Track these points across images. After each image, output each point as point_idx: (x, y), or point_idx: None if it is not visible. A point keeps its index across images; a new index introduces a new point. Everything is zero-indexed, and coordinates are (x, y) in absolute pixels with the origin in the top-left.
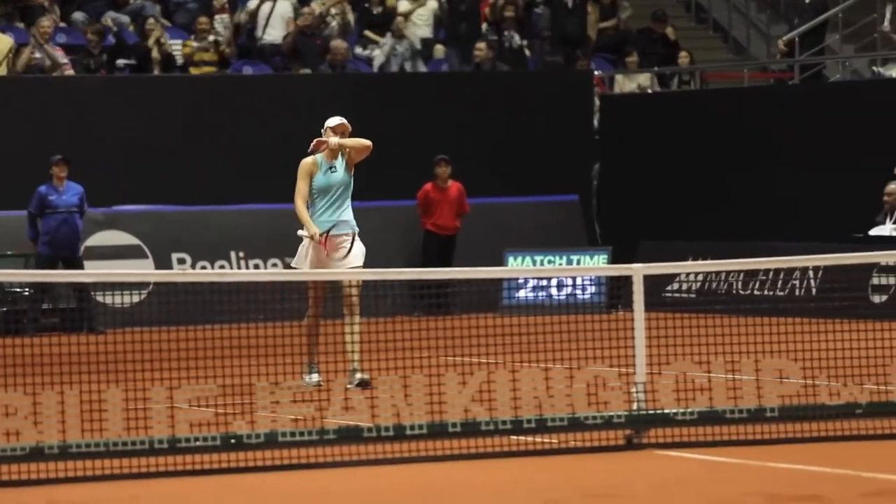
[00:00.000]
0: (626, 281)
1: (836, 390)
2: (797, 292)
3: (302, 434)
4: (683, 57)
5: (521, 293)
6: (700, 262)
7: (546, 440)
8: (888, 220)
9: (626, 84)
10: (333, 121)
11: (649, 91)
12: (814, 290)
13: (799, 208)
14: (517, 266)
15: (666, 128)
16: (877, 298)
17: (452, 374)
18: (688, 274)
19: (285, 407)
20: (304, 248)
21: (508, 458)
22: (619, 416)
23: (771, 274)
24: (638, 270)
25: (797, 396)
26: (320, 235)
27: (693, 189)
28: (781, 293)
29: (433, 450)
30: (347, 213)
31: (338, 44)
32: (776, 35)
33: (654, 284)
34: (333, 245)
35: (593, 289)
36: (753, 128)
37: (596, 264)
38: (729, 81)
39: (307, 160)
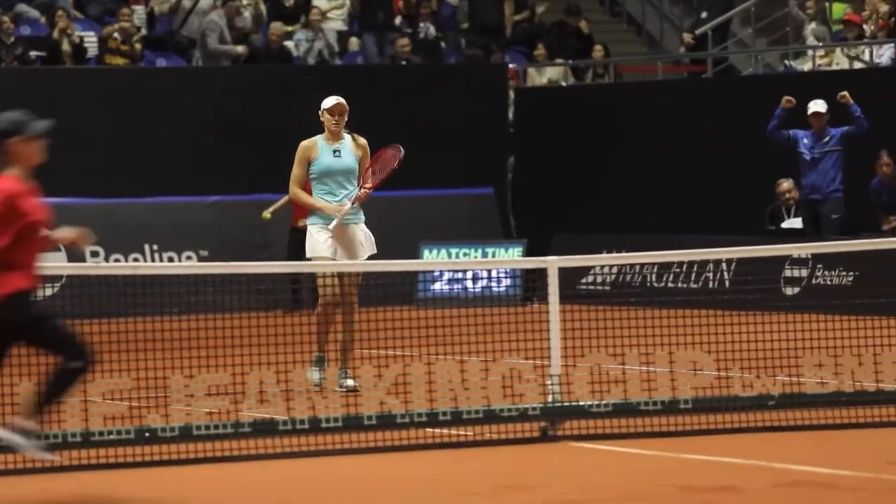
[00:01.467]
0: (542, 273)
1: (749, 382)
2: (711, 285)
3: (217, 427)
4: (598, 50)
5: (437, 286)
6: (614, 254)
7: (461, 432)
8: (786, 217)
9: (538, 77)
10: (329, 101)
11: (563, 84)
12: (727, 283)
13: (712, 201)
14: (433, 259)
15: (580, 121)
16: (789, 290)
17: (368, 366)
18: (602, 266)
19: (200, 400)
20: (318, 236)
21: (424, 451)
22: (534, 409)
23: (685, 266)
24: (553, 263)
25: (711, 388)
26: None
27: (607, 182)
28: (695, 285)
29: (349, 442)
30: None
31: (276, 27)
32: (689, 28)
33: (569, 277)
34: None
35: (508, 281)
36: (667, 121)
37: (511, 257)
38: (643, 74)
39: (305, 142)
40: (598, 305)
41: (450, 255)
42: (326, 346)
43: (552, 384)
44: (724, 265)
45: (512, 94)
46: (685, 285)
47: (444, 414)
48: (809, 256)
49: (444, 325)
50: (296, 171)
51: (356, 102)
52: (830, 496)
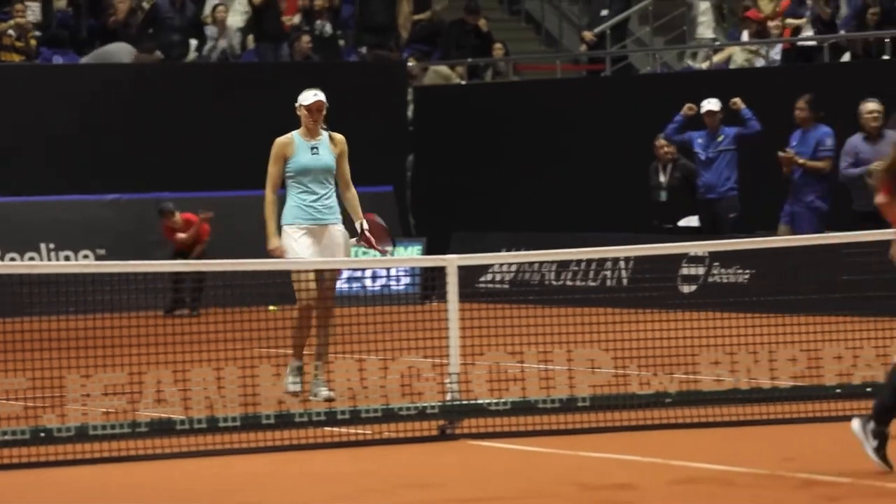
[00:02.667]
0: (440, 272)
1: (646, 380)
2: (608, 283)
3: (114, 427)
4: (497, 48)
5: (336, 284)
6: (513, 252)
7: (360, 431)
8: (662, 174)
9: (436, 76)
10: (308, 97)
11: (462, 83)
12: (625, 281)
13: (611, 199)
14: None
15: (479, 119)
16: (686, 288)
17: (266, 365)
18: (501, 265)
19: (96, 400)
20: (295, 238)
21: (323, 450)
22: (432, 407)
23: (583, 264)
24: (452, 261)
25: (608, 386)
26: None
27: (506, 180)
28: (593, 283)
29: (247, 442)
30: (333, 200)
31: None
32: (589, 27)
33: (468, 275)
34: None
35: (407, 280)
36: (566, 119)
37: (410, 255)
38: (542, 73)
39: (280, 139)
40: (496, 304)
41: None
42: (303, 352)
43: (451, 382)
44: (621, 263)
45: (411, 93)
46: (583, 283)
47: (343, 413)
48: (706, 254)
49: (343, 324)
50: (271, 169)
51: (255, 101)
52: (726, 493)
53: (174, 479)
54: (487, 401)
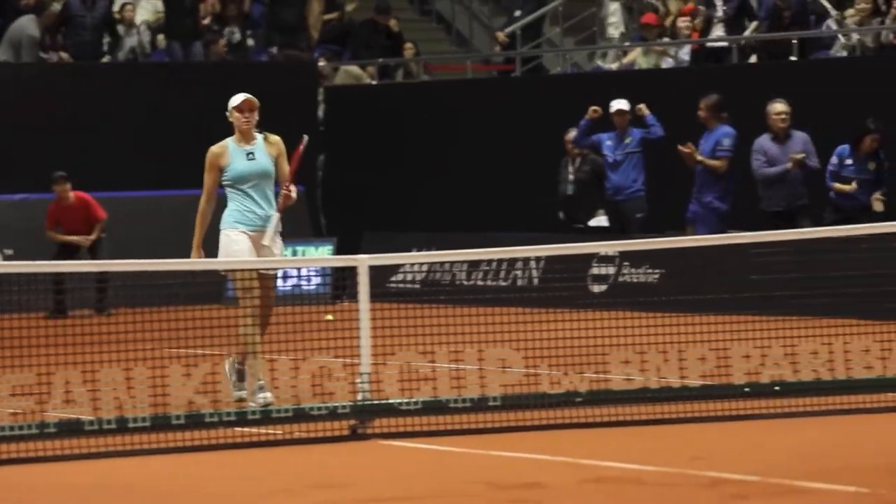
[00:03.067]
0: (352, 272)
1: (557, 379)
2: (519, 282)
3: (21, 428)
4: (408, 49)
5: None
6: (424, 252)
7: (271, 431)
8: (570, 167)
9: (346, 76)
10: (237, 98)
11: (373, 83)
12: (535, 281)
13: (522, 199)
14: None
15: (390, 119)
16: (596, 288)
17: (177, 366)
18: (412, 265)
19: (4, 401)
20: (235, 241)
21: (233, 450)
22: (343, 407)
23: (494, 264)
24: (363, 261)
25: (519, 385)
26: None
27: (418, 180)
28: (504, 283)
29: (157, 442)
30: (272, 207)
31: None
32: (498, 27)
33: (379, 275)
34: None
35: (318, 280)
36: (477, 119)
37: (321, 255)
38: (452, 73)
39: (213, 147)
40: (407, 304)
41: (95, 250)
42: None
43: (362, 382)
44: (532, 263)
45: (321, 93)
46: (494, 283)
47: (254, 413)
48: (616, 254)
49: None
50: (206, 179)
51: (165, 101)
52: (635, 492)
53: (83, 480)
54: (399, 400)
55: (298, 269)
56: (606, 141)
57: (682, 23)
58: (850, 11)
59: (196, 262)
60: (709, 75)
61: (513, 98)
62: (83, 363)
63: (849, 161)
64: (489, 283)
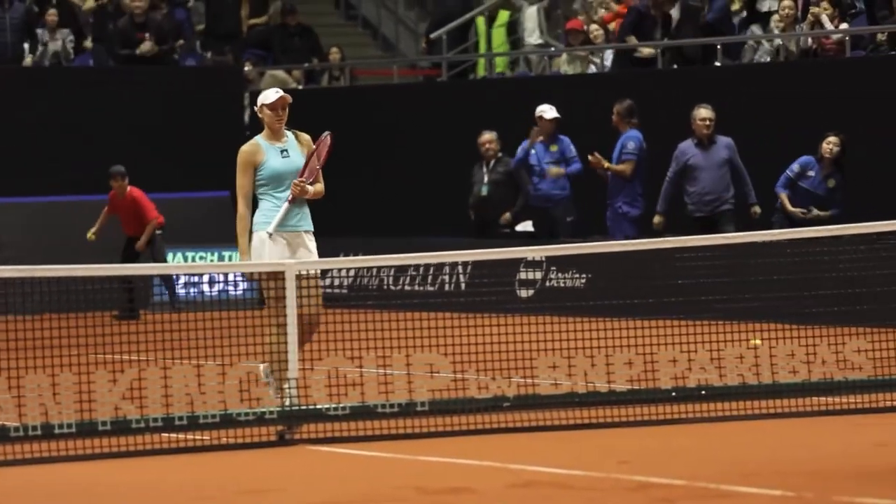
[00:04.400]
0: (279, 277)
1: (484, 384)
2: (447, 287)
3: None
4: (333, 53)
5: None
6: (351, 257)
7: (198, 437)
8: (485, 168)
9: (272, 80)
10: (270, 95)
11: (299, 87)
12: (463, 285)
13: (449, 204)
14: (169, 262)
15: (316, 124)
16: (523, 293)
17: (102, 371)
18: (340, 270)
19: None
20: (267, 245)
21: (160, 456)
22: (271, 412)
23: (421, 269)
24: (290, 266)
25: (447, 390)
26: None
27: (345, 185)
28: (432, 288)
29: (83, 448)
30: (305, 206)
31: None
32: (424, 32)
33: None
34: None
35: (245, 285)
36: (403, 124)
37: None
38: (378, 78)
39: (246, 146)
40: (335, 308)
41: (186, 259)
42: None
43: (289, 388)
44: (459, 267)
45: (248, 97)
46: (422, 288)
47: (181, 419)
48: (543, 259)
49: (181, 329)
50: (242, 181)
51: (90, 106)
52: (564, 496)
53: (6, 487)
54: (326, 406)
55: (225, 274)
56: (531, 151)
57: (597, 31)
58: (775, 17)
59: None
60: (633, 80)
61: (439, 103)
62: (8, 369)
63: (811, 173)
64: (417, 287)
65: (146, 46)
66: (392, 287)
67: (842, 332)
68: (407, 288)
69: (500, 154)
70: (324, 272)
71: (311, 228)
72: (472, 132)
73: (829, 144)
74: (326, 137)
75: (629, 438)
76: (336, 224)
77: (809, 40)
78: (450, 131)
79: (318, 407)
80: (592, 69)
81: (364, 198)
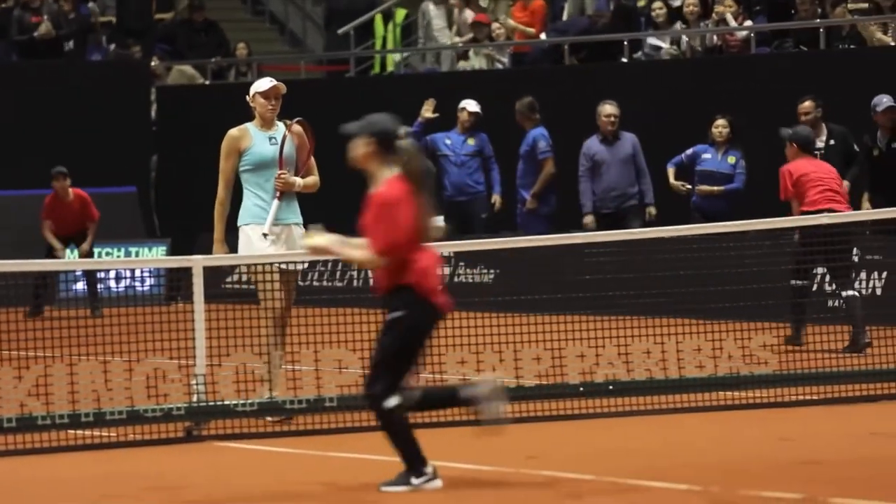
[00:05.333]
0: (186, 273)
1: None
2: (355, 283)
3: None
4: (240, 49)
5: (79, 285)
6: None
7: (105, 433)
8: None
9: (180, 76)
10: (264, 83)
11: (207, 83)
12: (371, 281)
13: (354, 200)
14: (75, 258)
15: (224, 119)
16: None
17: (7, 368)
18: (248, 266)
19: None
20: (256, 240)
21: (66, 453)
22: (178, 409)
23: (329, 265)
24: (198, 262)
25: (356, 386)
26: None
27: None
28: (340, 284)
29: None
30: (294, 200)
31: None
32: (332, 29)
33: (214, 276)
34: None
35: (152, 281)
36: (311, 119)
37: (155, 256)
38: (286, 73)
39: (233, 131)
40: (243, 304)
41: (92, 255)
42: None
43: (197, 384)
44: None
45: (154, 92)
46: (330, 284)
47: (87, 415)
48: (451, 254)
49: (87, 326)
50: (224, 165)
51: None
52: (472, 491)
53: None
54: (234, 402)
55: (132, 270)
56: (445, 140)
57: (499, 30)
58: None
59: (65, 263)
60: (537, 76)
61: (347, 98)
62: None
63: (707, 156)
64: (325, 283)
65: (43, 28)
66: (300, 282)
67: (748, 328)
68: (315, 284)
69: None
70: (232, 268)
71: (300, 221)
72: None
73: (718, 128)
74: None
75: (538, 433)
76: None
77: (715, 37)
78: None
79: (226, 403)
80: (499, 66)
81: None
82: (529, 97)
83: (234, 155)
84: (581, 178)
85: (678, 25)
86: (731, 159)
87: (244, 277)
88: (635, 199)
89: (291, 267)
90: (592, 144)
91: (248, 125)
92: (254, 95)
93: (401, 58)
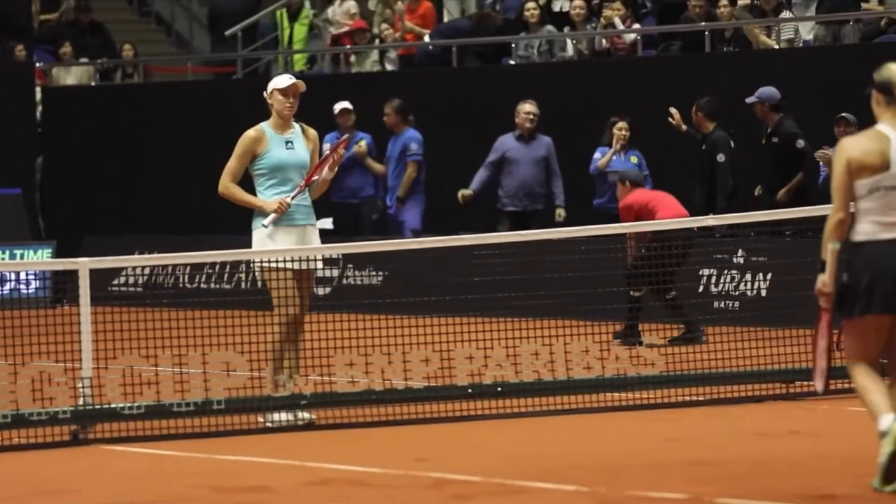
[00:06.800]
0: (72, 275)
1: (281, 382)
2: (243, 285)
3: None
4: (126, 50)
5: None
6: (146, 255)
7: None
8: None
9: (65, 76)
10: (283, 80)
11: (93, 84)
12: (259, 283)
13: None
14: None
15: (109, 121)
16: (321, 290)
17: None
18: (135, 268)
19: None
20: (270, 241)
21: None
22: (64, 412)
23: (217, 267)
24: (84, 264)
25: (244, 388)
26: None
27: (140, 183)
28: (228, 286)
29: None
30: (308, 200)
31: None
32: (217, 30)
33: (101, 278)
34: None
35: (38, 283)
36: (198, 121)
37: (40, 258)
38: (173, 75)
39: (251, 132)
40: (130, 307)
41: None
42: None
43: (83, 387)
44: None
45: (39, 94)
46: (218, 286)
47: None
48: (340, 256)
49: None
50: (234, 164)
51: None
52: (360, 493)
53: None
54: (121, 405)
55: (17, 272)
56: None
57: (387, 30)
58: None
59: None
60: (423, 79)
61: (233, 100)
62: None
63: (612, 158)
64: (213, 285)
65: None
66: (188, 285)
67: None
68: (203, 286)
69: None
70: (118, 270)
71: (315, 222)
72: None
73: (620, 130)
74: (340, 146)
75: (426, 435)
76: (131, 222)
77: (604, 41)
78: (243, 128)
79: (113, 406)
80: (389, 67)
81: (159, 195)
82: (398, 99)
83: (248, 156)
84: (483, 167)
85: (566, 29)
86: (634, 159)
87: (257, 277)
88: (542, 201)
89: (304, 266)
90: (507, 140)
91: (265, 126)
92: (272, 92)
93: (304, 59)
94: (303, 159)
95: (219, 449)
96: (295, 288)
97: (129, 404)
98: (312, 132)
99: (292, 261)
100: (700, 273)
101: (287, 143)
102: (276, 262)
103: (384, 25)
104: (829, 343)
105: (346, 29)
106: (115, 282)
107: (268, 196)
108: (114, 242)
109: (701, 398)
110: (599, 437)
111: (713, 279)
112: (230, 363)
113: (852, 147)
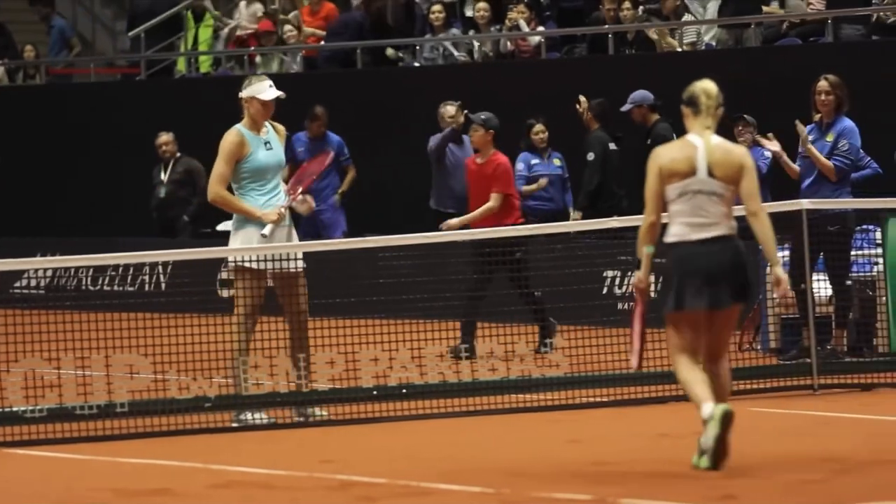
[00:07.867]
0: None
1: (186, 384)
2: (147, 287)
3: None
4: (28, 51)
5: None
6: (48, 257)
7: None
8: (163, 171)
9: None
10: (269, 94)
11: None
12: (163, 285)
13: (140, 203)
14: None
15: (12, 122)
16: (225, 293)
17: None
18: (36, 270)
19: None
20: (256, 241)
21: None
22: None
23: (120, 269)
24: None
25: (147, 391)
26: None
27: (42, 184)
28: (131, 288)
29: None
30: (285, 201)
31: None
32: (122, 31)
33: (2, 280)
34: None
35: None
36: (102, 123)
37: None
38: (76, 76)
39: (233, 136)
40: (32, 309)
41: None
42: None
43: None
44: (160, 268)
45: None
46: (121, 288)
47: None
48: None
49: None
50: (224, 169)
51: None
52: (265, 496)
53: None
54: (23, 408)
55: None
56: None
57: (291, 31)
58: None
59: None
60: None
61: (139, 101)
62: None
63: (535, 161)
64: (116, 288)
65: None
66: (91, 287)
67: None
68: (106, 288)
69: (178, 154)
70: (20, 272)
71: (291, 222)
72: (176, 130)
73: (538, 133)
74: (326, 159)
75: (331, 437)
76: (33, 224)
77: (508, 43)
78: (143, 130)
79: (14, 409)
80: (294, 68)
81: (60, 197)
82: (318, 105)
83: (234, 161)
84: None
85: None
86: (557, 161)
87: (226, 276)
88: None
89: (291, 268)
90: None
91: (242, 129)
92: (251, 99)
93: (209, 60)
94: (281, 159)
95: (122, 452)
96: (283, 291)
97: (30, 407)
98: (281, 128)
99: (256, 261)
100: (604, 275)
101: (265, 143)
102: (249, 261)
103: (287, 27)
104: (642, 328)
105: (251, 31)
106: (17, 284)
107: (252, 199)
108: (16, 244)
109: (604, 399)
110: (504, 439)
111: (616, 281)
112: (133, 365)
113: (663, 155)
